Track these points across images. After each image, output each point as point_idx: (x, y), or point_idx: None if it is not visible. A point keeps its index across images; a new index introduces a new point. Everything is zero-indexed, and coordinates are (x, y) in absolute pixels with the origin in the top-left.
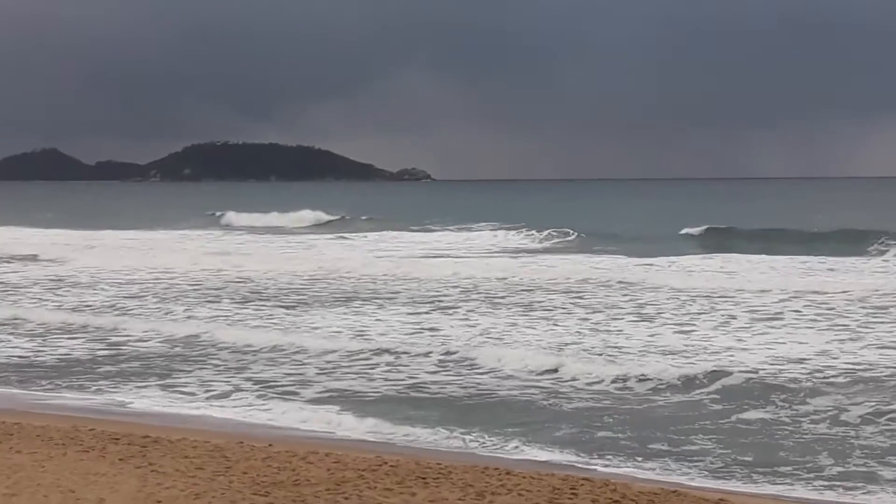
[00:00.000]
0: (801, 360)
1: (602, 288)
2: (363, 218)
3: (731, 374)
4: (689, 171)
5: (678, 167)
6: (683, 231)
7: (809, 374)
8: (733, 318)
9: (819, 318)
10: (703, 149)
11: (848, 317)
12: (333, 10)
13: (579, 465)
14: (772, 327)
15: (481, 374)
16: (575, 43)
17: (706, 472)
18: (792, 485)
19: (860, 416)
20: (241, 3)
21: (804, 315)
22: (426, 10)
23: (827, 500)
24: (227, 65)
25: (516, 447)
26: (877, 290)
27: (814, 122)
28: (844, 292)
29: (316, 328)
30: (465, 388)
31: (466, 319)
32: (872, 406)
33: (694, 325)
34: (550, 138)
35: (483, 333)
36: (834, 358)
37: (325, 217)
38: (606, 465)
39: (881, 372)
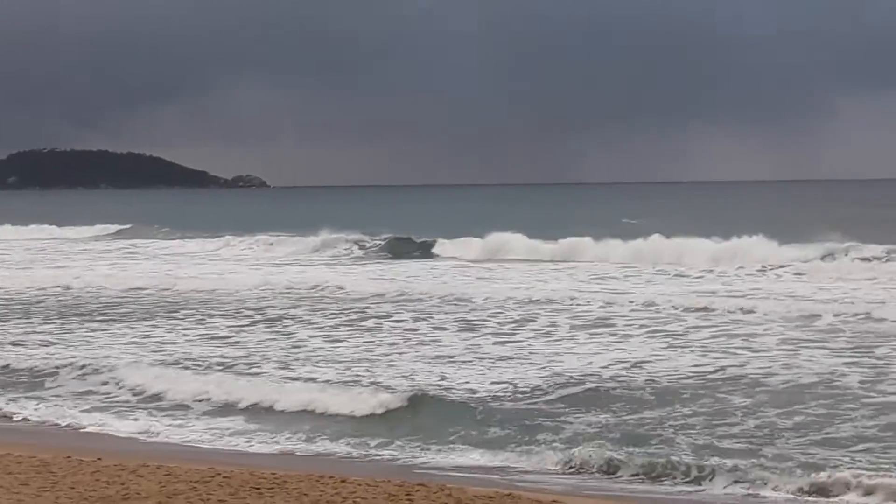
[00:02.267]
0: (635, 365)
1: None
2: (156, 227)
3: (567, 379)
4: (540, 177)
5: (528, 173)
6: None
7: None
8: (555, 326)
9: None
10: (551, 154)
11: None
12: (163, 14)
13: (417, 472)
14: (595, 334)
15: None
16: (416, 47)
17: (543, 475)
18: (630, 484)
19: (693, 417)
20: (63, 3)
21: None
22: (262, 13)
23: (663, 496)
24: (55, 70)
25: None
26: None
27: (668, 126)
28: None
29: None
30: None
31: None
32: (702, 407)
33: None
34: (392, 144)
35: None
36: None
37: (112, 227)
38: (441, 470)
39: (709, 375)
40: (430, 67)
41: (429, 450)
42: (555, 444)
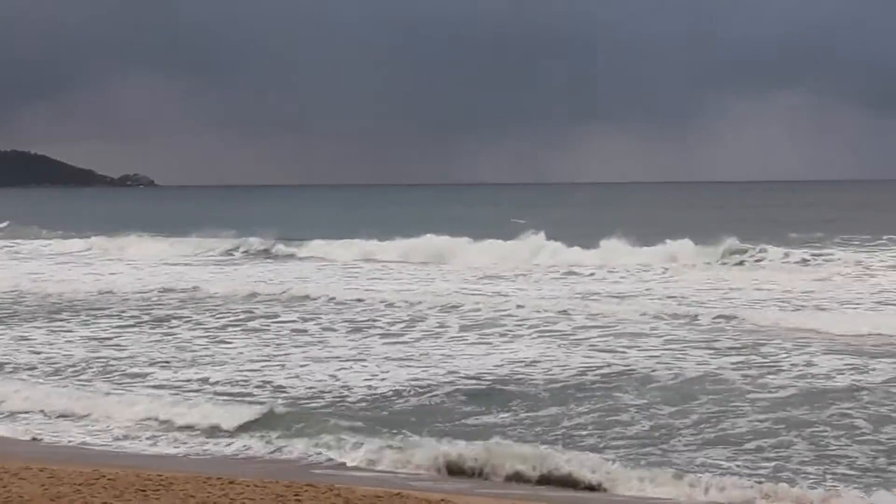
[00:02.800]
0: (530, 364)
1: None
2: (35, 227)
3: (461, 378)
4: (422, 177)
5: (412, 173)
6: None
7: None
8: (446, 327)
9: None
10: (434, 155)
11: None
12: (44, 10)
13: (305, 473)
14: (485, 335)
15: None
16: (307, 46)
17: (432, 474)
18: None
19: (588, 415)
20: None
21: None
22: (148, 9)
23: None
24: None
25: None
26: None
27: (539, 130)
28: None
29: None
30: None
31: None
32: (597, 404)
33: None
34: (282, 143)
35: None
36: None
37: None
38: (331, 471)
39: (600, 373)
40: (314, 66)
41: (319, 451)
42: (444, 443)
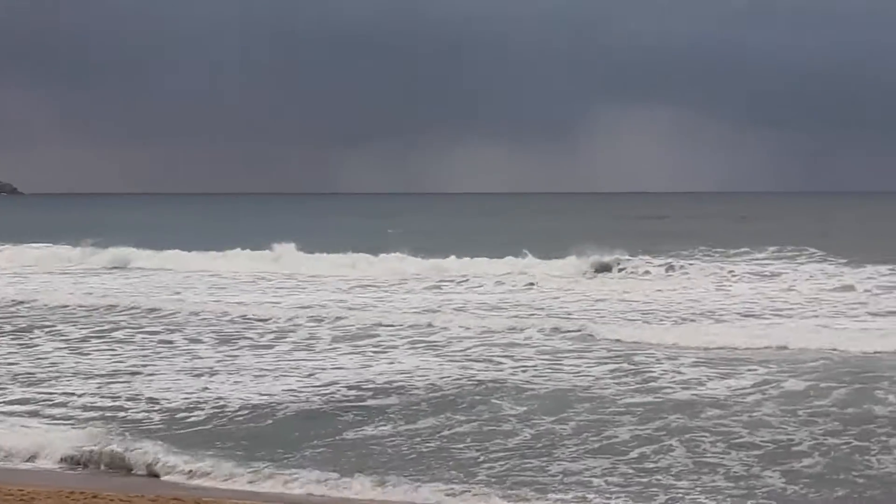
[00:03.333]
0: (407, 375)
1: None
2: None
3: (338, 390)
4: (305, 187)
5: (295, 182)
6: None
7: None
8: (317, 338)
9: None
10: (316, 164)
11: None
12: None
13: (173, 488)
14: (359, 346)
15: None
16: (186, 54)
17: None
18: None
19: (467, 424)
20: None
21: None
22: (26, 16)
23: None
24: None
25: None
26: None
27: (406, 140)
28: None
29: None
30: None
31: None
32: (475, 415)
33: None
34: (158, 151)
35: None
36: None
37: None
38: (197, 478)
39: (477, 384)
40: (193, 73)
41: (190, 466)
42: (323, 456)
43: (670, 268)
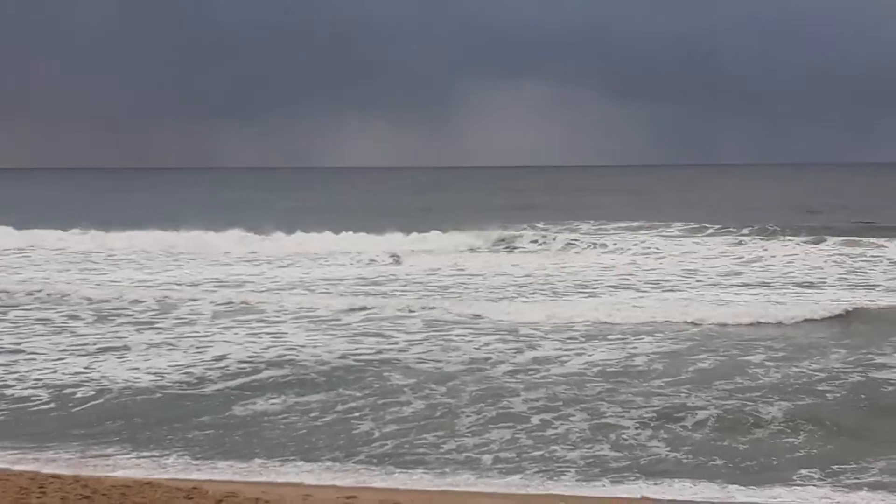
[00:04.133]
0: (296, 349)
1: None
2: None
3: (228, 366)
4: (184, 161)
5: (174, 157)
6: None
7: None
8: (199, 314)
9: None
10: (196, 139)
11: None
12: None
13: (56, 466)
14: (243, 321)
15: None
16: (63, 28)
17: (184, 463)
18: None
19: (360, 399)
20: None
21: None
22: None
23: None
24: None
25: None
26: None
27: (301, 115)
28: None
29: None
30: None
31: None
32: (368, 389)
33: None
34: (31, 126)
35: None
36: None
37: None
38: (81, 462)
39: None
40: (67, 48)
41: (73, 443)
42: (210, 432)
43: (544, 241)
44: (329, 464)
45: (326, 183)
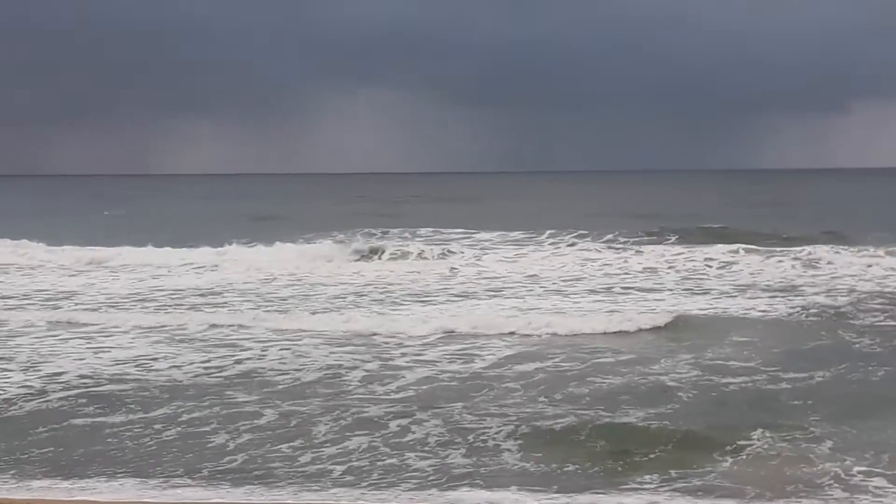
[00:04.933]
0: (139, 363)
1: None
2: None
3: (65, 382)
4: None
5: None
6: None
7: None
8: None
9: None
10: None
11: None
12: None
13: None
14: (78, 333)
15: None
16: None
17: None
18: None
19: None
20: None
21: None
22: None
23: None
24: None
25: None
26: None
27: (157, 120)
28: None
29: None
30: None
31: None
32: (216, 403)
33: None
34: None
35: None
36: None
37: None
38: None
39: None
40: None
41: None
42: (46, 449)
43: (382, 248)
44: (175, 479)
45: (173, 190)
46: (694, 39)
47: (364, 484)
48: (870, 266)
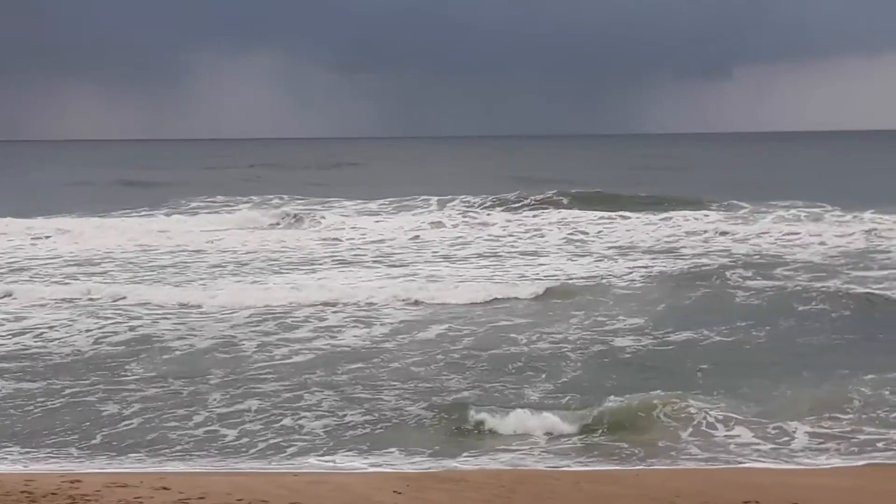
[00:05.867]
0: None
1: None
2: None
3: None
4: None
5: None
6: None
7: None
8: None
9: None
10: None
11: None
12: None
13: None
14: None
15: None
16: None
17: None
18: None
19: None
20: None
21: None
22: None
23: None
24: None
25: None
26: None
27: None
28: None
29: None
30: None
31: None
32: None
33: None
34: None
35: None
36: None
37: None
38: None
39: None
40: None
41: None
42: None
43: (267, 216)
44: (52, 449)
45: (52, 157)
46: (577, 1)
47: None
48: (747, 227)
